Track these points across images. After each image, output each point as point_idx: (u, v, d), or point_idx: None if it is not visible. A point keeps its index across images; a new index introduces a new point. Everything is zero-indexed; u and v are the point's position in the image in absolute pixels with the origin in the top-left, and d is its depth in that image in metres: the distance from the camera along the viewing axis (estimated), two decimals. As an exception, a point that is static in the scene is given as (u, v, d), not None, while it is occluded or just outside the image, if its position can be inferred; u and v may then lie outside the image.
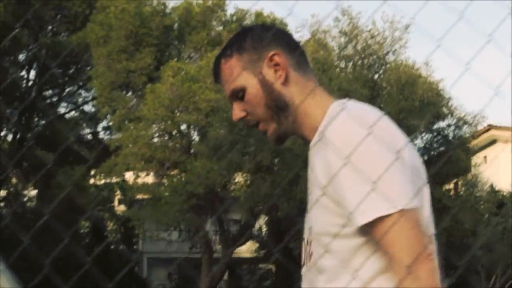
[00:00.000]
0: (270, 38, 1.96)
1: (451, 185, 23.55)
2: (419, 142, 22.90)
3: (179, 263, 31.37)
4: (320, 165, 1.82)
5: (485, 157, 25.35)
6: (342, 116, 1.81)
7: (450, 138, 22.57)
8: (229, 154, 21.87)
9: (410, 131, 22.06)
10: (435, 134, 22.77)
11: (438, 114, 21.93)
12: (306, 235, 1.95)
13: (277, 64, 1.95)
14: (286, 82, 1.95)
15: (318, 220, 1.85)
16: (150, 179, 27.35)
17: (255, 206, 22.74)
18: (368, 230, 1.74)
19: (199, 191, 23.06)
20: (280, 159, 22.24)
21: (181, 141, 26.15)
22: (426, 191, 1.86)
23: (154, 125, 25.95)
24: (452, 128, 22.61)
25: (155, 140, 26.40)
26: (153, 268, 37.14)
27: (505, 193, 24.93)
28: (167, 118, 25.06)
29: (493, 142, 27.43)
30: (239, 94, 1.97)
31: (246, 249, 32.67)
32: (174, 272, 34.52)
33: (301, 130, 1.97)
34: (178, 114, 25.62)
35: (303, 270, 1.96)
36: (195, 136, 27.28)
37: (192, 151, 26.12)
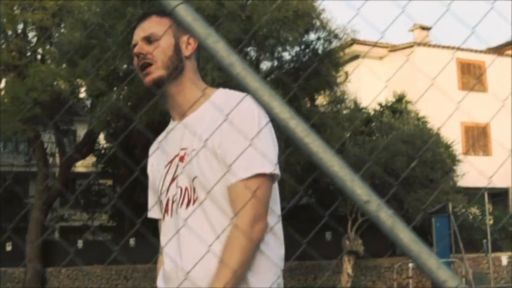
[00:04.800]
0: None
1: (320, 101, 24.11)
2: (286, 54, 23.21)
3: (4, 178, 30.32)
4: (213, 129, 2.48)
5: (346, 72, 26.05)
6: (247, 101, 2.47)
7: (319, 51, 22.98)
8: (82, 60, 21.24)
9: (281, 43, 22.31)
10: (303, 47, 23.08)
11: (310, 26, 22.22)
12: (184, 182, 2.55)
13: (189, 44, 2.69)
14: (188, 58, 2.68)
15: (205, 172, 2.48)
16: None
17: (108, 118, 22.23)
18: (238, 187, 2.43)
19: (44, 98, 22.29)
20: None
21: (22, 42, 25.09)
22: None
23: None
24: (322, 41, 23.01)
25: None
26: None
27: (369, 111, 25.94)
28: (6, 16, 23.86)
29: (355, 57, 28.29)
30: (151, 39, 2.64)
31: (81, 164, 32.22)
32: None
33: (180, 96, 2.67)
34: (17, 11, 24.49)
35: (180, 212, 2.55)
36: (34, 38, 26.26)
37: (35, 54, 25.17)
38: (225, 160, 2.45)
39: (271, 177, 2.46)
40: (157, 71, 2.61)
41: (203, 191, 2.48)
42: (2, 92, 25.49)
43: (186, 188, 2.54)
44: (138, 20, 2.73)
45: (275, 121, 1.77)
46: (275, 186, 2.55)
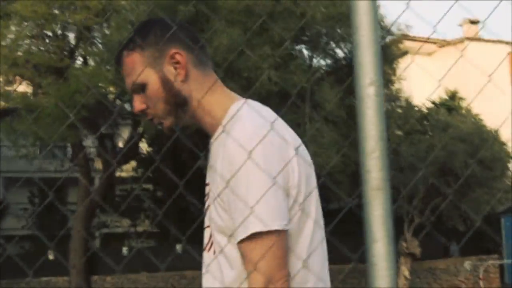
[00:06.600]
0: (172, 35, 2.26)
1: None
2: (339, 52, 23.08)
3: (42, 184, 30.27)
4: (221, 160, 2.13)
5: (394, 69, 25.76)
6: (244, 120, 2.16)
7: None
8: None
9: (336, 40, 22.16)
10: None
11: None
12: (207, 222, 2.28)
13: (177, 62, 2.26)
14: (185, 79, 2.26)
15: (216, 215, 2.18)
16: (21, 87, 26.08)
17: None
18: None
19: (90, 101, 22.10)
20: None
21: (62, 43, 24.95)
22: (315, 192, 2.22)
23: (26, 24, 24.59)
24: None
25: (27, 41, 25.05)
26: (10, 189, 35.79)
27: (422, 109, 25.69)
28: (47, 16, 23.74)
29: (404, 53, 28.00)
30: (140, 88, 2.27)
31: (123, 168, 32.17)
32: (36, 193, 33.49)
33: (201, 124, 2.31)
34: (56, 11, 24.36)
35: (204, 254, 2.30)
36: (73, 39, 26.16)
37: (76, 55, 25.05)
38: (230, 214, 2.16)
39: (271, 232, 2.09)
40: (164, 121, 2.30)
41: (217, 238, 2.22)
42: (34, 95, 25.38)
43: (208, 226, 2.28)
44: (116, 59, 2.36)
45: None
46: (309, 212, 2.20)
